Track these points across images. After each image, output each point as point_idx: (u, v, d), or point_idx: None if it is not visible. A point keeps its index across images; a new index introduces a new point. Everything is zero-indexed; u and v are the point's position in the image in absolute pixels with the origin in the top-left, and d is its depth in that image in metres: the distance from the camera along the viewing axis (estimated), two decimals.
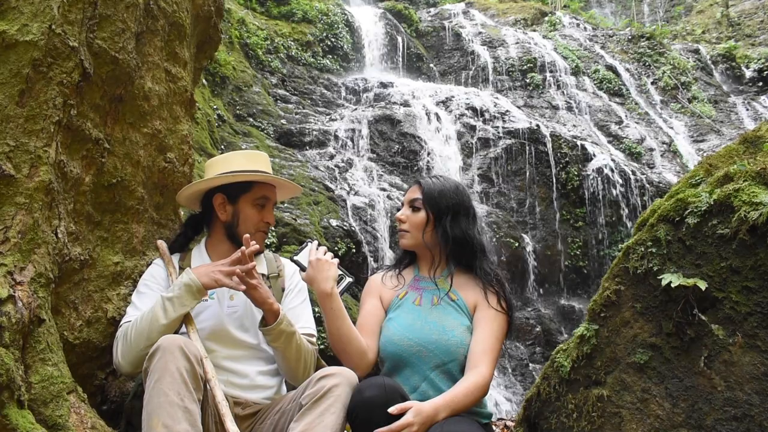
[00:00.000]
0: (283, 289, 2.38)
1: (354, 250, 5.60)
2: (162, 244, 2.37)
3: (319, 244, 2.36)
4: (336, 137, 7.56)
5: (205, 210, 2.43)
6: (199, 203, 2.45)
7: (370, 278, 2.54)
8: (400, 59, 10.79)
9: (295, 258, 2.31)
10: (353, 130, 7.69)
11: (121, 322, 2.17)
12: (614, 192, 7.45)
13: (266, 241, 4.92)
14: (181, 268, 2.30)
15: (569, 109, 9.70)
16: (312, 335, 2.32)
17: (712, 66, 12.14)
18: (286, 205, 5.59)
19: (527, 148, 7.65)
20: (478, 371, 2.13)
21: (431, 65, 11.24)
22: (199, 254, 2.36)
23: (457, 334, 2.22)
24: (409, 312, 2.30)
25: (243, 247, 2.12)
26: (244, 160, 2.42)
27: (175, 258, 2.36)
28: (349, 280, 2.28)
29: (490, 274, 2.34)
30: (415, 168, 7.37)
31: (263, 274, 2.37)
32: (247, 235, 2.15)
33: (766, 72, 11.63)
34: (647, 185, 7.58)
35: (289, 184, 2.51)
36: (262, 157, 2.49)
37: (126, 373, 2.15)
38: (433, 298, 2.31)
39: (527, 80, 10.34)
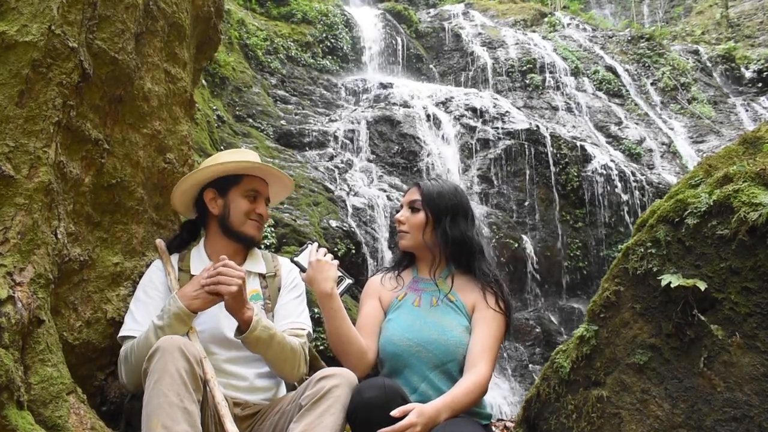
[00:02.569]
0: (279, 288, 2.38)
1: (354, 251, 5.60)
2: (160, 243, 2.37)
3: (320, 246, 2.36)
4: (335, 138, 7.56)
5: (200, 211, 2.44)
6: (194, 206, 2.46)
7: (369, 280, 2.55)
8: (400, 60, 10.80)
9: (295, 259, 2.32)
10: (353, 130, 7.69)
11: (120, 333, 2.16)
12: (614, 193, 7.45)
13: (266, 241, 4.95)
14: (181, 270, 2.30)
15: (569, 109, 9.70)
16: (302, 329, 2.29)
17: (712, 67, 12.15)
18: (285, 205, 5.59)
19: (527, 149, 7.65)
20: (477, 371, 2.14)
21: (431, 66, 11.25)
22: (198, 254, 2.36)
23: (456, 334, 2.23)
24: (409, 313, 2.31)
25: (222, 258, 2.09)
26: (231, 155, 2.46)
27: (174, 258, 2.36)
28: (348, 281, 2.28)
29: (488, 275, 2.35)
30: (415, 169, 7.37)
31: (260, 274, 2.38)
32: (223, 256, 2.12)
33: (765, 73, 11.63)
34: (647, 186, 7.58)
35: (281, 177, 2.49)
36: (250, 153, 2.51)
37: (131, 392, 2.17)
38: (432, 299, 2.33)
39: (527, 81, 10.34)
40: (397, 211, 2.51)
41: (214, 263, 2.10)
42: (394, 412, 1.89)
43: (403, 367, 2.22)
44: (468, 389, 2.09)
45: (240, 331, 2.09)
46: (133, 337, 2.10)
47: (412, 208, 2.42)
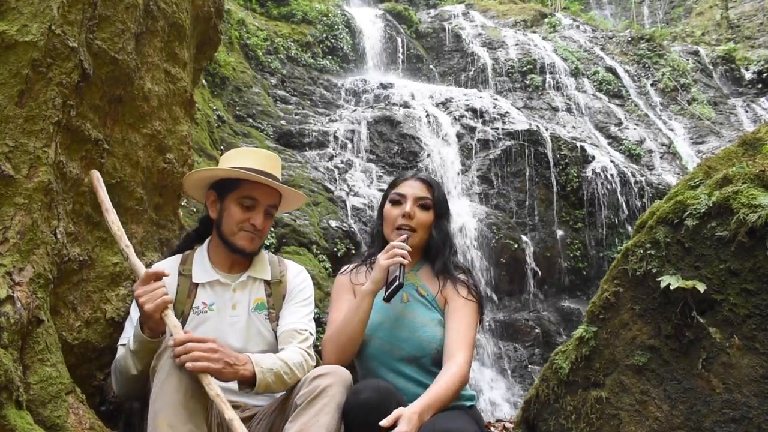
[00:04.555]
0: (284, 296, 2.33)
1: (354, 251, 5.59)
2: (94, 173, 2.17)
3: (407, 238, 2.26)
4: (336, 138, 7.56)
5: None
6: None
7: (337, 279, 2.50)
8: (400, 60, 10.79)
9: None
10: (353, 131, 7.69)
11: (120, 341, 2.15)
12: (613, 194, 7.45)
13: (266, 241, 4.94)
14: (182, 275, 2.26)
15: (569, 110, 9.69)
16: (303, 330, 2.24)
17: (712, 68, 12.14)
18: None
19: (527, 149, 7.65)
20: (455, 362, 2.14)
21: (431, 66, 11.24)
22: (200, 257, 2.32)
23: (428, 330, 2.24)
24: (379, 310, 2.29)
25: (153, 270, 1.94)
26: (241, 157, 2.32)
27: (177, 259, 2.33)
28: (396, 283, 2.16)
29: (459, 267, 2.40)
30: (415, 169, 7.36)
31: (265, 280, 2.32)
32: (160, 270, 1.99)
33: (765, 74, 11.63)
34: (646, 187, 7.57)
35: (288, 191, 2.34)
36: (264, 157, 2.35)
37: (124, 401, 2.18)
38: (403, 294, 2.32)
39: (527, 82, 10.33)
40: (394, 203, 2.40)
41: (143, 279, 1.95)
42: (383, 423, 1.85)
43: (377, 366, 2.23)
44: (448, 384, 2.07)
45: (246, 385, 1.96)
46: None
47: (422, 205, 2.36)
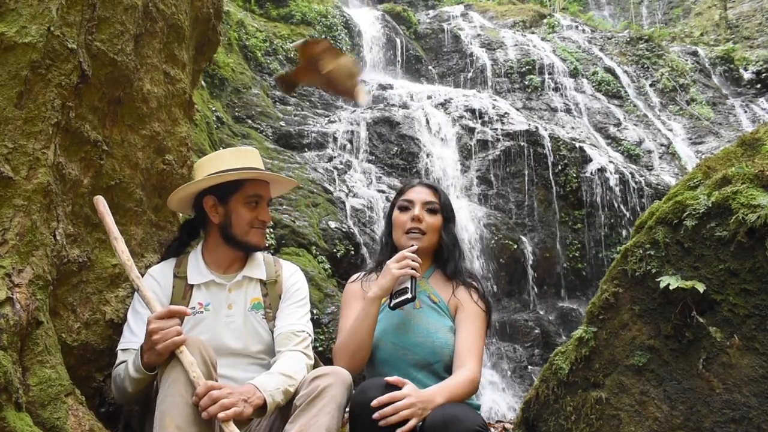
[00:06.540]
0: (281, 295, 2.34)
1: (353, 252, 5.59)
2: (100, 199, 2.12)
3: (417, 249, 2.32)
4: (335, 139, 7.56)
5: (198, 213, 2.38)
6: (191, 207, 2.41)
7: (347, 286, 2.55)
8: (399, 61, 10.80)
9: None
10: (352, 132, 7.69)
11: (119, 346, 2.14)
12: (613, 194, 7.46)
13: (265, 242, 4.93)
14: (177, 277, 2.26)
15: (568, 111, 9.69)
16: (300, 332, 2.25)
17: (711, 68, 12.15)
18: (284, 206, 5.58)
19: (526, 150, 7.65)
20: (467, 369, 2.18)
21: (430, 67, 11.24)
22: (195, 260, 2.32)
23: (441, 336, 2.28)
24: (392, 316, 2.33)
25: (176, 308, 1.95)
26: (232, 158, 2.36)
27: (171, 263, 2.33)
28: (407, 296, 2.21)
29: (471, 274, 2.46)
30: (414, 170, 7.36)
31: (261, 280, 2.34)
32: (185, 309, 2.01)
33: (764, 74, 11.64)
34: (646, 187, 7.58)
35: (282, 179, 2.46)
36: (251, 153, 2.43)
37: (122, 404, 2.20)
38: (416, 300, 2.33)
39: (526, 82, 10.34)
40: (402, 209, 2.46)
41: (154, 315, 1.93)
42: (389, 379, 1.94)
43: (389, 370, 2.24)
44: (460, 382, 2.12)
45: (257, 411, 1.93)
46: (129, 350, 2.08)
47: (430, 209, 2.43)
